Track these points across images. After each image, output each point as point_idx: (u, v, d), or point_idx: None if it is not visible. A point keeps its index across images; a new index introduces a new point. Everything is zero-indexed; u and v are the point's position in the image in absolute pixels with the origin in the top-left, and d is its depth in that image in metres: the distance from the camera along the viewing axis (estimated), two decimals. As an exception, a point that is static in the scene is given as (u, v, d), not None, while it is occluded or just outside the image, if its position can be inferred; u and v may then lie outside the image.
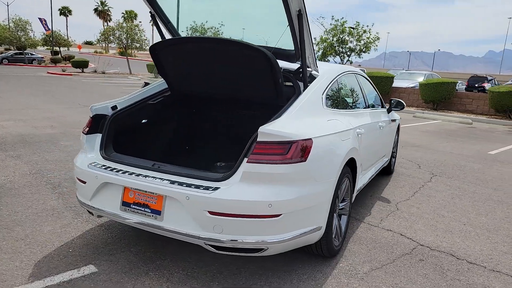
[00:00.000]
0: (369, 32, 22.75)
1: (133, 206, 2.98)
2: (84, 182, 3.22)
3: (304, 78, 3.45)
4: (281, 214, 2.70)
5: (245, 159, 2.73)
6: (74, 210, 4.35)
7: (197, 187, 2.74)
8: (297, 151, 2.74)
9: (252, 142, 2.79)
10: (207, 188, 2.72)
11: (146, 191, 2.92)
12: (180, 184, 2.80)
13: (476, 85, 22.55)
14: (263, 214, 2.67)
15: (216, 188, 2.71)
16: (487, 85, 22.06)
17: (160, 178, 2.89)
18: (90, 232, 3.83)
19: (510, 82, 17.50)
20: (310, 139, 2.86)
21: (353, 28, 22.21)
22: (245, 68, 3.42)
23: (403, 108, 5.69)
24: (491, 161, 8.09)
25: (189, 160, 4.26)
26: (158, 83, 4.12)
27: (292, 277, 3.20)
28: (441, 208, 5.11)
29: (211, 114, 4.59)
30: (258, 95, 3.71)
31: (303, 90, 3.40)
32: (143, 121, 3.93)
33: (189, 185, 2.77)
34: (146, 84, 5.35)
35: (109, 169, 3.11)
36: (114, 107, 3.61)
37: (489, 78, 23.76)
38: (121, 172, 3.04)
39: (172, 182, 2.83)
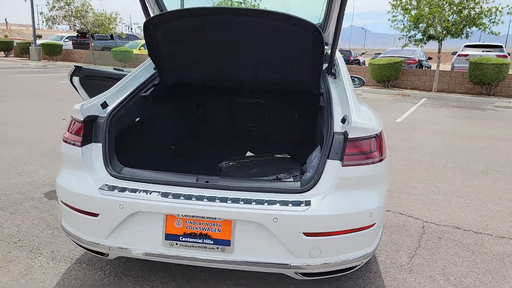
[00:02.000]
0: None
1: (183, 239, 2.26)
2: (96, 215, 2.32)
3: (331, 59, 3.04)
4: (375, 223, 2.34)
5: (338, 162, 2.26)
6: (21, 246, 3.24)
7: (283, 203, 2.18)
8: (382, 146, 2.38)
9: (332, 140, 2.33)
10: (297, 203, 2.18)
11: (203, 217, 2.23)
12: (257, 202, 2.19)
13: (351, 59, 24.61)
14: (364, 226, 2.27)
15: (308, 203, 2.19)
16: (361, 58, 24.36)
17: (220, 198, 2.23)
18: (71, 274, 2.88)
19: (382, 55, 19.46)
20: (382, 131, 2.52)
21: None
22: (279, 46, 2.84)
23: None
24: (406, 129, 8.87)
25: (197, 162, 3.54)
26: (143, 68, 3.22)
27: (348, 284, 2.90)
28: (406, 181, 5.33)
29: (218, 105, 3.86)
30: (286, 81, 3.18)
31: (331, 73, 3.01)
32: (137, 119, 3.05)
33: (271, 203, 2.18)
34: (78, 68, 4.25)
35: (133, 192, 2.28)
36: (104, 105, 2.68)
37: (352, 52, 26.11)
38: (157, 194, 2.26)
39: (237, 201, 2.20)
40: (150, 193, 2.27)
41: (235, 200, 2.20)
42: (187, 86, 3.75)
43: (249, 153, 3.89)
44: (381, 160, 2.34)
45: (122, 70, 5.06)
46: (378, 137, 2.37)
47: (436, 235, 3.76)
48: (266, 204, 2.18)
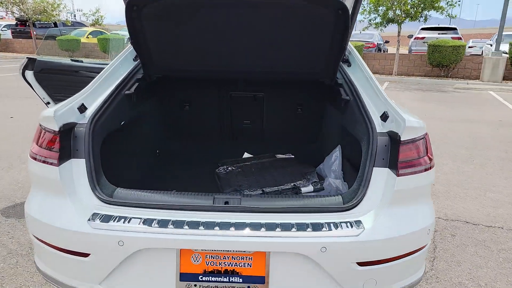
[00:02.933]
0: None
1: (204, 278, 1.78)
2: (86, 255, 1.77)
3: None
4: (428, 242, 1.99)
5: (387, 171, 1.88)
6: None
7: (331, 226, 1.76)
8: (430, 148, 2.02)
9: (373, 143, 1.94)
10: (347, 225, 1.77)
11: (229, 251, 1.76)
12: (298, 228, 1.75)
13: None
14: (421, 246, 1.91)
15: (360, 224, 1.78)
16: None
17: (250, 224, 1.77)
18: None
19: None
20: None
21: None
22: (291, 28, 2.38)
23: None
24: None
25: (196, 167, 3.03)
26: (122, 59, 2.63)
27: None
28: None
29: (210, 100, 3.33)
30: (295, 70, 2.72)
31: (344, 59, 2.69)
32: (122, 123, 2.48)
33: (316, 227, 1.75)
34: (31, 60, 3.55)
35: (135, 222, 1.77)
36: (82, 108, 2.11)
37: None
38: (167, 224, 1.76)
39: (272, 227, 1.76)
40: (157, 223, 1.76)
41: (270, 227, 1.74)
42: (173, 80, 3.19)
43: (246, 154, 3.43)
44: (432, 165, 1.97)
45: (82, 61, 4.36)
46: (427, 137, 2.00)
47: (448, 232, 3.54)
48: (310, 229, 1.74)
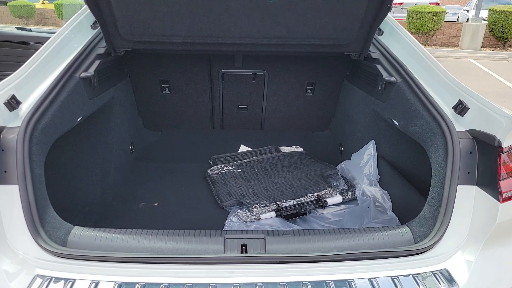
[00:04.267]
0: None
1: None
2: None
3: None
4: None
5: (478, 191, 1.29)
6: None
7: (409, 282, 1.16)
8: None
9: (454, 149, 1.35)
10: (433, 280, 1.17)
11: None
12: None
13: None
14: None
15: (450, 278, 1.19)
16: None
17: (286, 285, 1.14)
18: None
19: None
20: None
21: None
22: None
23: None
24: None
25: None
26: (73, 27, 1.84)
27: None
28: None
29: (196, 81, 2.62)
30: (314, 40, 2.04)
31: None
32: (79, 119, 1.75)
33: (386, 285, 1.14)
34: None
35: None
36: (11, 102, 1.37)
37: None
38: None
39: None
40: None
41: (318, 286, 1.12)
42: (148, 55, 2.44)
43: (243, 147, 2.75)
44: None
45: (30, 30, 3.47)
46: None
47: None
48: None
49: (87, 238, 1.30)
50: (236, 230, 1.37)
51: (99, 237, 1.30)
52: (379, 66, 1.95)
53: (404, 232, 1.36)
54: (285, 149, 2.71)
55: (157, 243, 1.29)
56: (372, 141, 2.12)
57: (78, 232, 1.32)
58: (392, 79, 1.81)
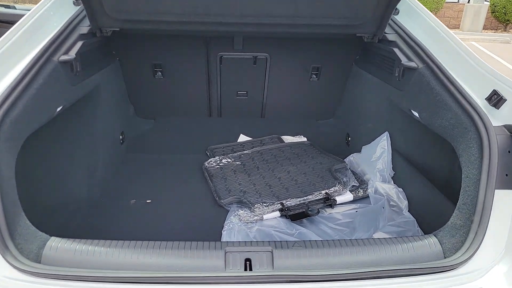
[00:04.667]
0: None
1: None
2: None
3: None
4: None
5: None
6: None
7: None
8: None
9: (491, 147, 1.19)
10: None
11: None
12: None
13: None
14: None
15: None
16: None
17: None
18: None
19: None
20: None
21: None
22: None
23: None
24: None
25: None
26: (51, 3, 1.62)
27: None
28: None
29: (191, 64, 2.42)
30: (323, 20, 1.83)
31: None
32: (58, 109, 1.55)
33: None
34: None
35: None
36: None
37: None
38: None
39: None
40: None
41: None
42: (138, 36, 2.21)
43: (242, 137, 2.56)
44: None
45: (14, 8, 3.24)
46: None
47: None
48: None
49: (66, 252, 1.12)
50: (239, 242, 1.19)
51: (80, 250, 1.12)
52: (396, 50, 1.75)
53: (432, 243, 1.19)
54: (287, 139, 2.52)
55: (147, 258, 1.11)
56: (386, 133, 1.94)
57: (55, 245, 1.13)
58: (412, 64, 1.61)
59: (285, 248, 1.16)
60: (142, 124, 2.59)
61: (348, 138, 2.43)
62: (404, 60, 1.67)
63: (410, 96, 1.67)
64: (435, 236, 1.22)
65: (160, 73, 2.42)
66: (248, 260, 1.11)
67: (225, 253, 1.12)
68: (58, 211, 1.77)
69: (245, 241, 1.19)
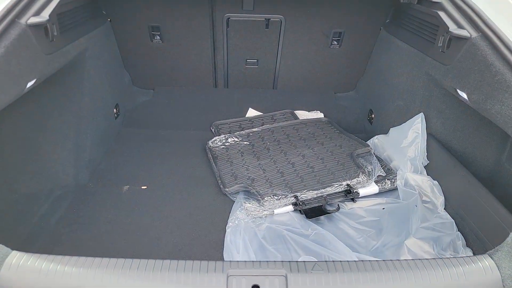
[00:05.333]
0: None
1: None
2: None
3: None
4: None
5: None
6: None
7: None
8: None
9: None
10: None
11: None
12: None
13: None
14: None
15: None
16: None
17: None
18: None
19: None
20: None
21: None
22: None
23: None
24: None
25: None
26: None
27: None
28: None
29: (194, 27, 2.13)
30: None
31: None
32: (30, 83, 1.29)
33: None
34: None
35: None
36: None
37: None
38: None
39: None
40: None
41: None
42: None
43: (252, 112, 2.29)
44: None
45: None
46: None
47: None
48: None
49: (29, 271, 0.89)
50: (245, 262, 0.96)
51: (46, 270, 0.89)
52: (442, 14, 1.42)
53: (488, 267, 0.94)
54: (302, 114, 2.24)
55: (129, 281, 0.88)
56: (421, 114, 1.64)
57: (16, 262, 0.91)
58: (463, 32, 1.30)
59: (303, 272, 0.92)
60: (140, 95, 2.33)
61: (371, 115, 2.14)
62: (452, 27, 1.36)
63: (458, 73, 1.37)
64: (490, 257, 0.97)
65: (158, 37, 2.12)
66: (256, 287, 0.88)
67: (228, 277, 0.89)
68: (41, 197, 1.55)
69: (252, 261, 0.95)
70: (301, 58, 2.24)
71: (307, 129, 2.06)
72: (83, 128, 1.74)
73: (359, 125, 2.25)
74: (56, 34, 1.40)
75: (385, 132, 1.91)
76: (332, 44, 2.16)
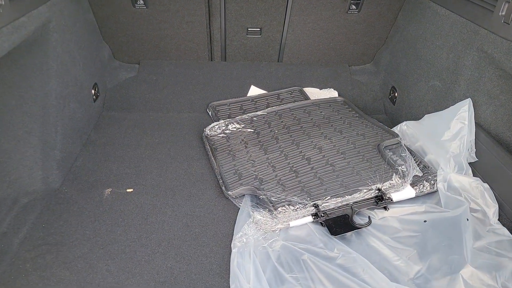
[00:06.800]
0: None
1: None
2: None
3: None
4: None
5: None
6: None
7: None
8: None
9: None
10: None
11: None
12: None
13: None
14: None
15: None
16: None
17: None
18: None
19: None
20: None
21: None
22: None
23: None
24: None
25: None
26: None
27: None
28: None
29: None
30: None
31: None
32: None
33: None
34: None
35: None
36: None
37: None
38: None
39: None
40: None
41: None
42: None
43: (254, 90, 1.96)
44: None
45: None
46: None
47: None
48: None
49: None
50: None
51: None
52: None
53: None
54: (313, 92, 1.92)
55: None
56: (468, 100, 1.34)
57: None
58: None
59: None
60: (122, 71, 1.98)
61: (394, 93, 1.83)
62: None
63: None
64: None
65: (141, 0, 1.75)
66: None
67: None
68: (3, 208, 1.26)
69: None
70: (312, 26, 1.89)
71: (321, 112, 1.75)
72: (52, 119, 1.41)
73: (378, 104, 1.95)
74: (3, 2, 1.05)
75: (414, 116, 1.62)
76: (350, 8, 1.81)
